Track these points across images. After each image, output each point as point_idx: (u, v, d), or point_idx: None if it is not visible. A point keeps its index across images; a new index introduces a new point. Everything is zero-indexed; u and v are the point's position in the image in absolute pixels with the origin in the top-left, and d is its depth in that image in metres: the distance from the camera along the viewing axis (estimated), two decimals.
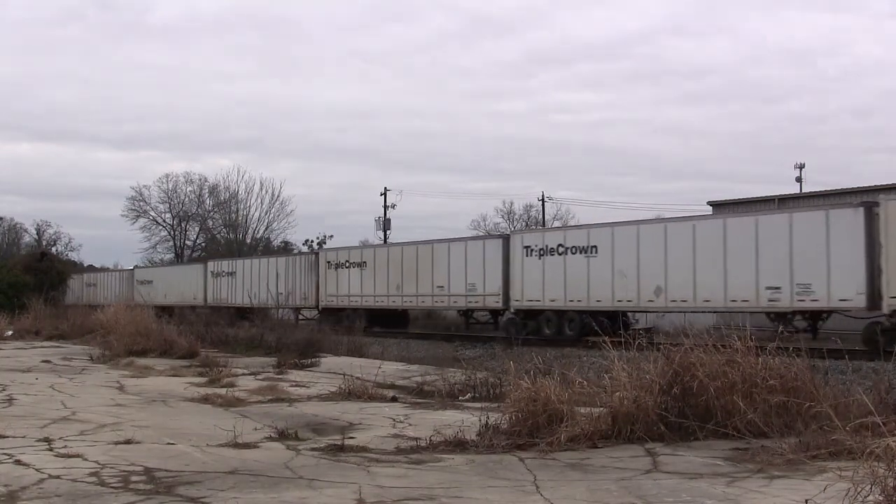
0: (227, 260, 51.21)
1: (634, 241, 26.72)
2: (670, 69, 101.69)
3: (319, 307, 39.90)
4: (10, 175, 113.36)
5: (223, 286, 46.80)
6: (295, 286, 41.61)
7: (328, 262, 39.89)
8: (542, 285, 29.34)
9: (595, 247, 27.82)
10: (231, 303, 44.38)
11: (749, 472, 6.80)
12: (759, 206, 33.44)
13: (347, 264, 38.56)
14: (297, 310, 41.60)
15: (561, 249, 28.94)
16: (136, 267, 66.48)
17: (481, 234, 62.92)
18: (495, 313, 33.31)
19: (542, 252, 29.56)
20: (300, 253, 42.41)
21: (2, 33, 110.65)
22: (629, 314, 28.15)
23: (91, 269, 68.99)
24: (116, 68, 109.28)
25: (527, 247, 30.13)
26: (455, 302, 33.70)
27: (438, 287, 33.70)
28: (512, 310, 30.97)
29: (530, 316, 30.06)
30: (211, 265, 49.58)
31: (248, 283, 44.48)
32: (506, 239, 32.23)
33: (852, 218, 22.06)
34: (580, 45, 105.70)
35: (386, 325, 36.34)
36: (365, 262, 37.68)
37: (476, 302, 32.66)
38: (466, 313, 34.49)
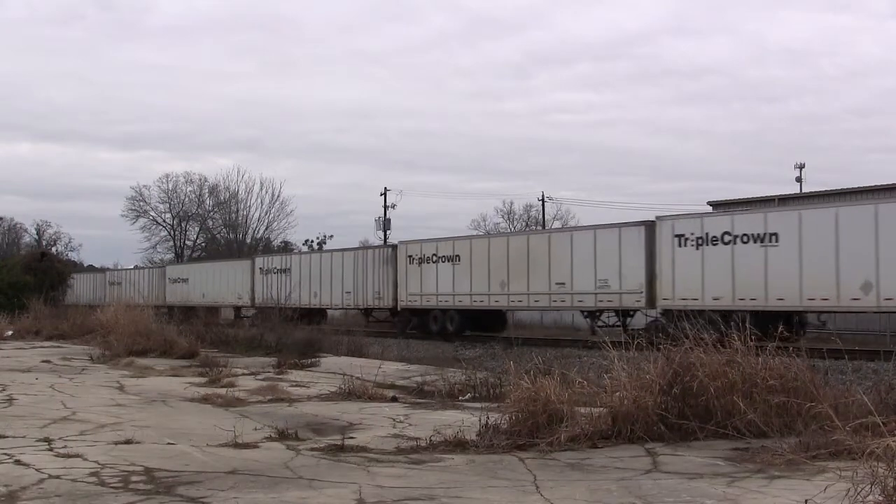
0: (280, 255, 47.66)
1: (831, 226, 22.76)
2: (670, 69, 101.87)
3: (398, 307, 35.75)
4: (10, 175, 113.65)
5: (274, 285, 41.17)
6: (366, 284, 37.35)
7: (409, 256, 35.10)
8: (702, 281, 25.18)
9: (775, 234, 23.83)
10: (285, 303, 37.96)
11: (749, 473, 6.79)
12: (760, 205, 32.80)
13: (435, 258, 33.87)
14: (366, 311, 38.40)
15: (727, 238, 24.82)
16: (168, 263, 65.78)
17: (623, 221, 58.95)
18: (623, 315, 28.39)
19: (700, 241, 25.33)
20: (372, 246, 39.43)
21: (2, 33, 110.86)
22: (802, 314, 24.33)
23: (91, 269, 68.96)
24: (116, 68, 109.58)
25: (679, 235, 25.87)
26: (580, 301, 28.65)
27: (558, 284, 28.96)
28: (659, 310, 26.39)
29: (679, 317, 26.44)
30: (259, 261, 45.35)
31: (305, 281, 40.12)
32: (650, 226, 27.02)
33: None
34: (580, 45, 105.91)
35: (481, 328, 32.82)
36: (458, 255, 32.93)
37: (609, 301, 27.74)
38: (593, 314, 28.95)
